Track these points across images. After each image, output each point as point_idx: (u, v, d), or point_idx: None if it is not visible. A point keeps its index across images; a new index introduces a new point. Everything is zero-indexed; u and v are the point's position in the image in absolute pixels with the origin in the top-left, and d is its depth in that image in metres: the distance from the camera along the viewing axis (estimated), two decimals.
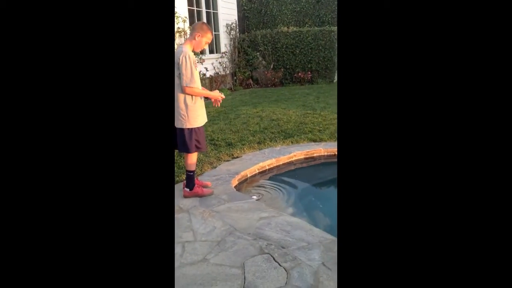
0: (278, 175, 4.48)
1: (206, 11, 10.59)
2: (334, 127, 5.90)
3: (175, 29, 8.62)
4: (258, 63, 11.63)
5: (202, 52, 10.01)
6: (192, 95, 3.15)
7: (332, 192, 3.96)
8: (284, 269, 2.22)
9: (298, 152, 4.94)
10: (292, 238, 2.60)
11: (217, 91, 3.39)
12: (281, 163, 4.74)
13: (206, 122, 3.47)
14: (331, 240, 2.58)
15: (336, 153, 5.00)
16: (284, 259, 2.32)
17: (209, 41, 3.28)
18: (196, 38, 3.16)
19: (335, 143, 5.23)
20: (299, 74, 11.47)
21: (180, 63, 3.03)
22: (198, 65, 9.18)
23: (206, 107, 3.40)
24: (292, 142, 5.30)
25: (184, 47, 3.12)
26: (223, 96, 3.39)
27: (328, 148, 5.06)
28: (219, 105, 3.46)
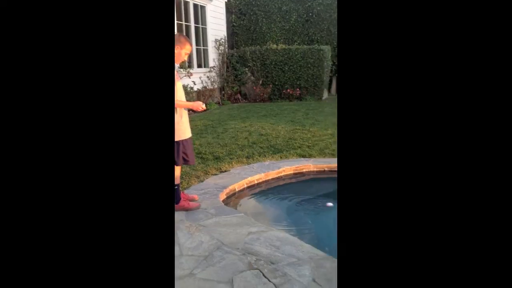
0: (267, 190, 4.42)
1: (195, 26, 10.67)
2: (323, 143, 5.92)
3: None
4: (247, 78, 11.71)
5: (190, 66, 10.03)
6: (176, 108, 3.12)
7: (321, 208, 3.92)
8: (274, 285, 2.15)
9: (287, 167, 4.91)
10: (282, 254, 2.54)
11: (198, 101, 3.34)
12: (270, 178, 4.70)
13: (194, 136, 3.42)
14: (322, 256, 2.53)
15: (326, 169, 4.99)
16: (273, 274, 2.25)
17: (189, 53, 3.26)
18: (175, 50, 3.14)
19: (324, 159, 5.23)
20: (288, 90, 11.58)
21: None
22: (185, 79, 9.19)
23: (193, 121, 3.35)
24: (281, 157, 5.28)
25: None
26: (204, 107, 3.33)
27: (317, 164, 5.05)
28: (202, 109, 3.33)
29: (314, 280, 2.20)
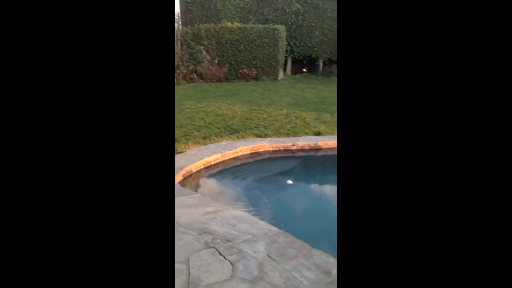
0: (224, 170, 4.46)
1: None
2: (278, 123, 6.02)
3: None
4: (202, 57, 11.45)
5: None
6: None
7: (277, 186, 4.04)
8: (230, 262, 2.21)
9: (243, 147, 4.96)
10: (238, 232, 2.60)
11: None
12: (227, 158, 4.73)
13: None
14: (276, 232, 2.63)
15: (281, 148, 5.12)
16: (229, 252, 2.32)
17: None
18: None
19: (280, 139, 5.34)
20: (244, 70, 11.52)
21: None
22: None
23: None
24: (237, 138, 5.31)
25: None
26: None
27: (273, 144, 5.15)
28: None
29: (268, 255, 2.30)
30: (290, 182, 4.10)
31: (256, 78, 11.62)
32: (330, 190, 4.16)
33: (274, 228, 2.70)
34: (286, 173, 4.43)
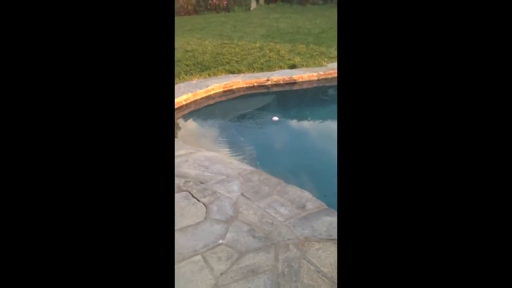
0: (196, 110, 4.29)
1: None
2: (252, 57, 5.74)
3: None
4: None
5: None
6: None
7: (252, 124, 3.94)
8: (203, 204, 2.18)
9: (216, 85, 4.75)
10: (211, 173, 2.55)
11: None
12: (198, 97, 4.53)
13: None
14: (250, 171, 2.59)
15: (255, 84, 4.93)
16: (203, 194, 2.28)
17: None
18: None
19: (254, 74, 5.13)
20: (214, 0, 10.70)
21: None
22: None
23: None
24: (209, 75, 5.06)
25: None
26: None
27: (246, 80, 4.95)
28: None
29: (242, 194, 2.28)
30: (276, 118, 3.99)
31: (227, 9, 10.87)
32: (306, 125, 4.12)
33: (249, 167, 2.66)
34: (262, 110, 4.32)
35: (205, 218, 2.06)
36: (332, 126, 4.06)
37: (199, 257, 1.75)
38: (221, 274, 1.64)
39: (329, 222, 2.01)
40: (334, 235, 1.89)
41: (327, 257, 1.74)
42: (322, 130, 3.94)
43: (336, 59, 5.62)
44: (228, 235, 1.91)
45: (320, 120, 4.18)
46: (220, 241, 1.87)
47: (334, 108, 4.63)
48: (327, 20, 8.90)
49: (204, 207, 2.16)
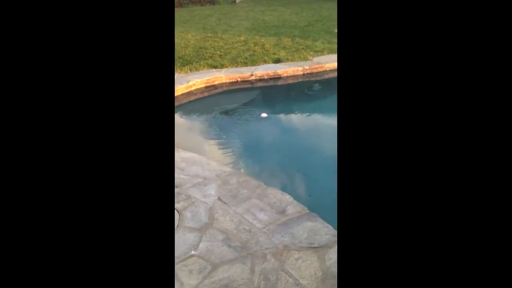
0: (176, 107, 4.12)
1: None
2: (235, 51, 5.57)
3: None
4: None
5: None
6: None
7: (235, 122, 3.79)
8: (176, 210, 2.04)
9: (197, 81, 4.58)
10: (187, 175, 2.40)
11: None
12: (179, 93, 4.36)
13: None
14: (229, 172, 2.46)
15: (238, 79, 4.77)
16: (176, 199, 2.13)
17: None
18: None
19: (237, 69, 4.96)
20: None
21: None
22: None
23: None
24: (190, 70, 4.88)
25: None
26: None
27: (229, 75, 4.78)
28: None
29: (219, 199, 2.14)
30: (264, 115, 3.84)
31: (212, 2, 10.62)
32: (291, 123, 3.99)
33: (227, 168, 2.52)
34: (245, 107, 4.17)
35: (177, 226, 1.92)
36: (318, 122, 3.94)
37: None
38: None
39: (310, 228, 1.89)
40: (315, 242, 1.78)
41: (306, 268, 1.62)
42: (308, 127, 3.82)
43: (322, 53, 5.49)
44: (202, 245, 1.77)
45: (306, 117, 4.06)
46: (192, 252, 1.73)
47: (319, 104, 4.51)
48: (313, 13, 8.75)
49: (177, 214, 2.01)
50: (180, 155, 2.70)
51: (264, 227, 1.89)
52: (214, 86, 4.65)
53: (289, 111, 4.23)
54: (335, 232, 1.80)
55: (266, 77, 4.83)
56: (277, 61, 5.19)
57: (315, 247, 1.74)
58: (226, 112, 4.02)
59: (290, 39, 6.15)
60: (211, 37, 6.47)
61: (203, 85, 4.58)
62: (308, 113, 4.11)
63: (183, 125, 3.72)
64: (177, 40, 6.19)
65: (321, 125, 3.87)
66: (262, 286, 1.52)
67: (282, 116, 4.10)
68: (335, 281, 1.51)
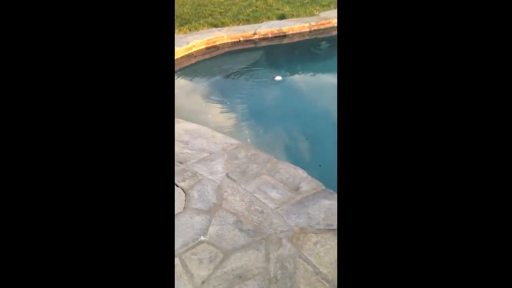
0: (175, 72, 3.86)
1: None
2: (236, 8, 5.18)
3: None
4: None
5: None
6: None
7: (240, 86, 3.55)
8: (182, 189, 1.89)
9: (197, 42, 4.27)
10: (192, 150, 2.24)
11: None
12: (178, 56, 4.08)
13: None
14: (236, 145, 2.28)
15: (241, 39, 4.44)
16: (181, 177, 1.98)
17: None
18: None
19: (239, 27, 4.62)
20: None
21: None
22: None
23: None
24: (189, 30, 4.55)
25: None
26: None
27: (231, 34, 4.46)
28: None
29: (228, 176, 1.98)
30: (279, 78, 3.59)
31: None
32: (297, 86, 3.74)
33: (234, 141, 2.35)
34: (249, 69, 3.91)
35: (184, 208, 1.78)
36: (325, 84, 3.69)
37: (176, 260, 1.49)
38: (203, 282, 1.39)
39: (327, 207, 1.74)
40: (334, 223, 1.64)
41: (326, 253, 1.49)
42: (315, 90, 3.58)
43: (329, 8, 5.09)
44: (211, 230, 1.64)
45: (313, 79, 3.80)
46: (202, 237, 1.60)
47: (327, 64, 4.22)
48: None
49: (183, 194, 1.87)
50: (183, 127, 2.51)
51: (278, 207, 1.75)
52: (215, 47, 4.35)
53: (295, 73, 3.96)
54: None
55: (270, 35, 4.50)
56: (281, 17, 4.83)
57: (333, 229, 1.61)
58: (227, 77, 3.77)
59: None
60: None
61: (203, 46, 4.29)
62: (315, 75, 3.85)
63: (184, 93, 3.49)
64: None
65: (327, 87, 3.62)
66: (279, 277, 1.40)
67: (287, 79, 3.85)
68: None
